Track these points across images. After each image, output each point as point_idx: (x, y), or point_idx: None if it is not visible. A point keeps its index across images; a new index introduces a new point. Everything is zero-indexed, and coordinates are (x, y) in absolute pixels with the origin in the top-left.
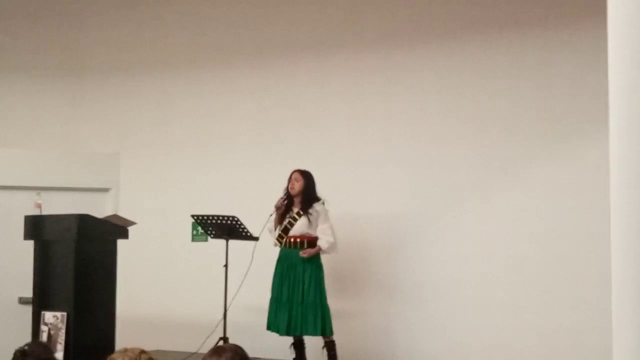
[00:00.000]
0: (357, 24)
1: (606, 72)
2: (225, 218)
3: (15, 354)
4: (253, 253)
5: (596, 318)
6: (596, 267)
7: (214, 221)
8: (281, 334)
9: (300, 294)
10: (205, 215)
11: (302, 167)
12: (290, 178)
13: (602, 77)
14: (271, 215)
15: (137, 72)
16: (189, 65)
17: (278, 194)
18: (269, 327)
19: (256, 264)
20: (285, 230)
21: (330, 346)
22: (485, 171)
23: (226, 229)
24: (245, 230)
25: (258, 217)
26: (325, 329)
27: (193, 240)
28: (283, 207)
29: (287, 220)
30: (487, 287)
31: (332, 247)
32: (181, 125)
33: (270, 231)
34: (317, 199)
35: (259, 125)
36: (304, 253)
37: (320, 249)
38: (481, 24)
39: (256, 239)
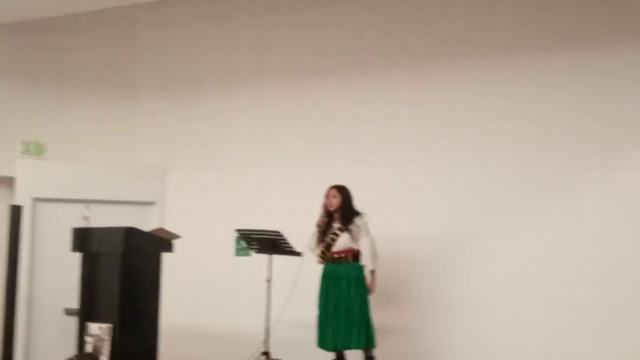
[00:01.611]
0: (396, 42)
1: None
2: (269, 233)
3: None
4: (298, 270)
5: None
6: None
7: (257, 236)
8: (328, 350)
9: (345, 308)
10: (249, 230)
11: (342, 184)
12: (327, 195)
13: None
14: (313, 234)
15: (186, 88)
16: (237, 83)
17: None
18: (319, 345)
19: (300, 280)
20: (328, 247)
21: None
22: (529, 190)
23: (270, 244)
24: (288, 245)
25: (301, 233)
26: (368, 342)
27: (236, 254)
28: (324, 225)
29: (329, 237)
30: (533, 306)
31: (376, 260)
32: (228, 141)
33: (312, 250)
34: (357, 213)
35: (305, 142)
36: (372, 292)
37: (373, 272)
38: (541, 36)
39: (299, 254)
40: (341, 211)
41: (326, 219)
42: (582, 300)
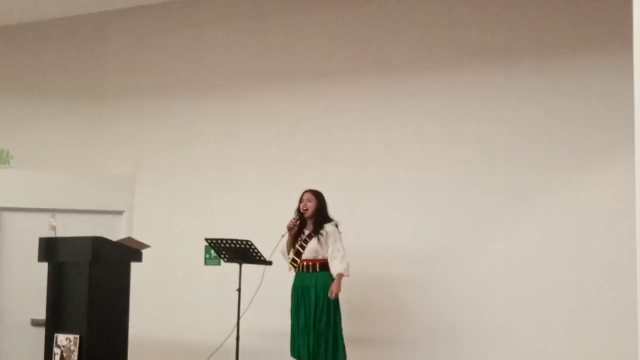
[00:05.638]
0: (365, 50)
1: (627, 97)
2: (239, 242)
3: None
4: (263, 274)
5: (627, 342)
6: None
7: (227, 245)
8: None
9: (313, 320)
10: (219, 239)
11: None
12: (302, 199)
13: (624, 103)
14: (283, 236)
15: (154, 96)
16: (206, 91)
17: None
18: (292, 354)
19: (268, 287)
20: (298, 254)
21: None
22: (506, 201)
23: (240, 252)
24: (259, 254)
25: (272, 241)
26: (336, 357)
27: (206, 263)
28: (296, 228)
29: (299, 243)
30: (514, 314)
31: (343, 265)
32: (196, 149)
33: (284, 254)
34: (329, 220)
35: (274, 149)
36: (332, 295)
37: (341, 277)
38: (503, 52)
39: (269, 263)
40: (315, 217)
41: (298, 222)
42: (554, 302)
